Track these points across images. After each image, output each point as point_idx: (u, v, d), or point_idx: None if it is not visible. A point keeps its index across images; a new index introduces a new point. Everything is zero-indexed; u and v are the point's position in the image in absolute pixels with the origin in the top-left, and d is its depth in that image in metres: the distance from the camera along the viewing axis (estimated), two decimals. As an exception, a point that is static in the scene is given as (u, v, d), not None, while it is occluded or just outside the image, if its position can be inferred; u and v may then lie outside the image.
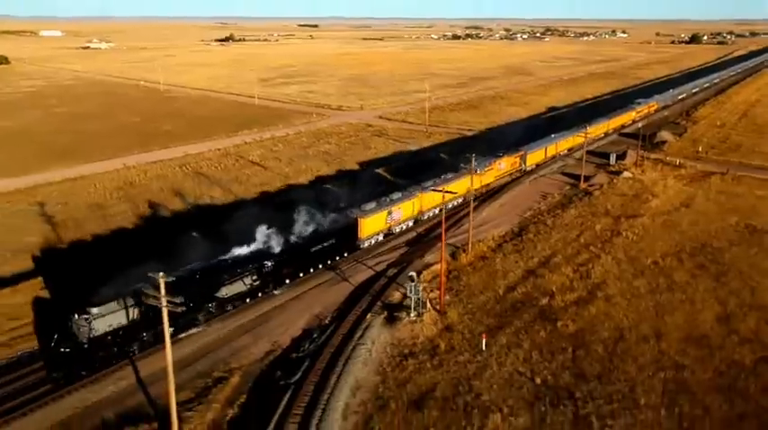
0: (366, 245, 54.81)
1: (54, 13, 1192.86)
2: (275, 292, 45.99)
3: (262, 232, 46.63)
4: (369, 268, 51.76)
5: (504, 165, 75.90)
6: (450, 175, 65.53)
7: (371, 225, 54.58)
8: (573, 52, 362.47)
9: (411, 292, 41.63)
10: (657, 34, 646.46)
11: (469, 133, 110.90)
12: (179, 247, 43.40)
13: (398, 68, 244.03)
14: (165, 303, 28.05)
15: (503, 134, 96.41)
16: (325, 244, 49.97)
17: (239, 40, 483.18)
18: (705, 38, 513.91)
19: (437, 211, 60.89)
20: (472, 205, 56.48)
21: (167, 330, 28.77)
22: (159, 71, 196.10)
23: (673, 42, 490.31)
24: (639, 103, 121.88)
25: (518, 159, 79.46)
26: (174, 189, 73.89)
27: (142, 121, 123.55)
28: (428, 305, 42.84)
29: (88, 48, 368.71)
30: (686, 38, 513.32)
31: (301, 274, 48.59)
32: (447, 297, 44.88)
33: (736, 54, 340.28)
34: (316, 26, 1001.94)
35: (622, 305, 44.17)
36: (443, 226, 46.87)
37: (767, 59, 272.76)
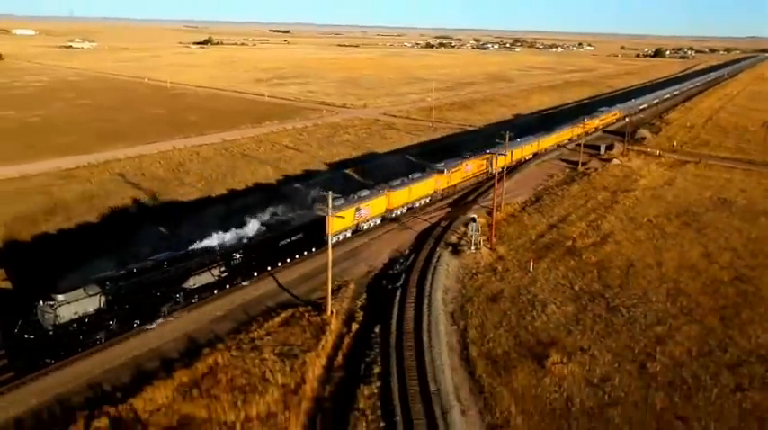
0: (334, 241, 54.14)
1: (12, 12, 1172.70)
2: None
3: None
4: (424, 221, 64.65)
5: (470, 167, 79.11)
6: (417, 175, 68.60)
7: (339, 221, 53.95)
8: (545, 62, 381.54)
9: (472, 230, 54.53)
10: (622, 48, 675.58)
11: (470, 128, 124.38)
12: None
13: (383, 73, 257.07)
14: (329, 213, 40.46)
15: (500, 129, 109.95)
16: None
17: (217, 43, 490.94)
18: (668, 52, 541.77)
19: (405, 210, 64.96)
20: (504, 172, 69.86)
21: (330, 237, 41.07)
22: (161, 70, 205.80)
23: (638, 56, 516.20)
24: (602, 111, 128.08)
25: (485, 162, 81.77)
26: (231, 166, 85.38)
27: (168, 113, 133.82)
28: (481, 243, 55.74)
29: (71, 47, 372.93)
30: (650, 52, 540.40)
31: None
32: (493, 239, 57.91)
33: (698, 68, 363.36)
34: (287, 32, 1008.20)
35: (629, 246, 57.79)
36: (496, 180, 60.00)
37: (725, 73, 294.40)
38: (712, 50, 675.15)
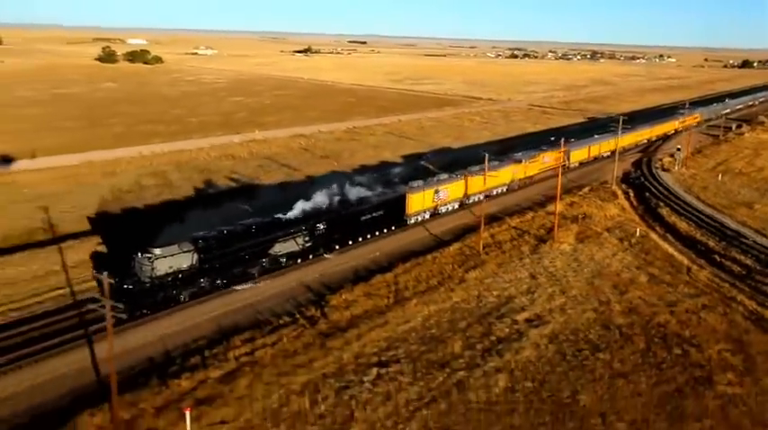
0: (413, 221, 58.58)
1: (99, 24, 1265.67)
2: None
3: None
4: (633, 155, 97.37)
5: (548, 159, 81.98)
6: (495, 163, 69.16)
7: (419, 202, 57.95)
8: (636, 71, 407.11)
9: (677, 156, 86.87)
10: (706, 59, 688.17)
11: (614, 114, 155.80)
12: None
13: (494, 77, 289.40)
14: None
15: (636, 115, 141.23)
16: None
17: (316, 51, 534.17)
18: (756, 63, 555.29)
19: (482, 197, 63.18)
20: (689, 123, 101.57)
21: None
22: (301, 71, 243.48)
23: (725, 66, 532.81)
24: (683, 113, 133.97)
25: (562, 155, 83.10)
26: (458, 129, 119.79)
27: (358, 101, 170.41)
28: (678, 166, 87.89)
29: (196, 54, 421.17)
30: (737, 63, 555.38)
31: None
32: (684, 168, 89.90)
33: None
34: (364, 42, 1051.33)
35: None
36: (682, 133, 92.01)
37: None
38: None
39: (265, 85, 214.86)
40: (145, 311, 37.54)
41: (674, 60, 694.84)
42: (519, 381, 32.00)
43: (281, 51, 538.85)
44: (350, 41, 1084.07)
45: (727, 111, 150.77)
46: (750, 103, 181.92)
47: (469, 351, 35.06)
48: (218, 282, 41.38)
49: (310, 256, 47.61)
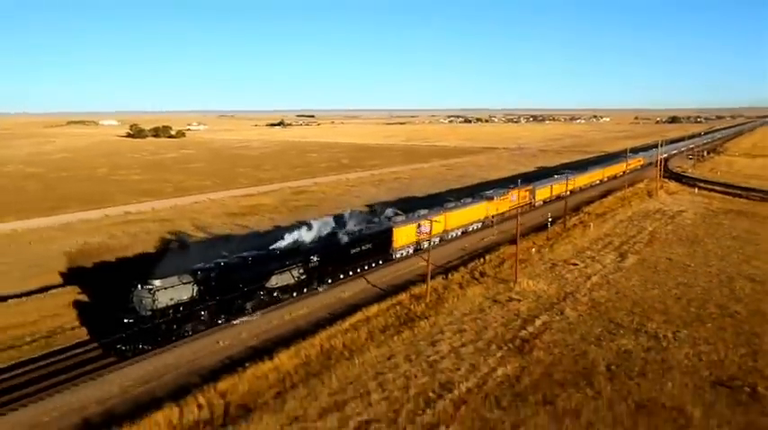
0: (398, 255, 59.58)
1: (64, 109, 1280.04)
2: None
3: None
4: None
5: (515, 197, 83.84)
6: (469, 200, 74.48)
7: (403, 236, 59.63)
8: (586, 129, 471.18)
9: (689, 163, 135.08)
10: (636, 118, 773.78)
11: (596, 154, 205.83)
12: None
13: (479, 136, 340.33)
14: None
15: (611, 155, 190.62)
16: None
17: (289, 124, 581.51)
18: (683, 119, 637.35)
19: (459, 233, 70.03)
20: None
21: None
22: (324, 136, 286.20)
23: (657, 122, 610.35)
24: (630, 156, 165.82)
25: (528, 193, 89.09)
26: (495, 164, 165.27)
27: (411, 152, 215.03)
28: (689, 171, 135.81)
29: (189, 130, 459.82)
30: (666, 119, 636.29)
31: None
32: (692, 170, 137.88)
33: (718, 126, 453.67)
34: (312, 116, 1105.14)
35: (743, 171, 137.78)
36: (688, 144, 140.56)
37: (747, 125, 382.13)
38: (719, 117, 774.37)
39: (286, 151, 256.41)
40: (146, 347, 37.23)
41: (608, 119, 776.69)
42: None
43: (256, 125, 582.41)
44: (298, 116, 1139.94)
45: (665, 156, 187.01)
46: (683, 148, 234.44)
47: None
48: (220, 316, 42.10)
49: (304, 290, 48.28)
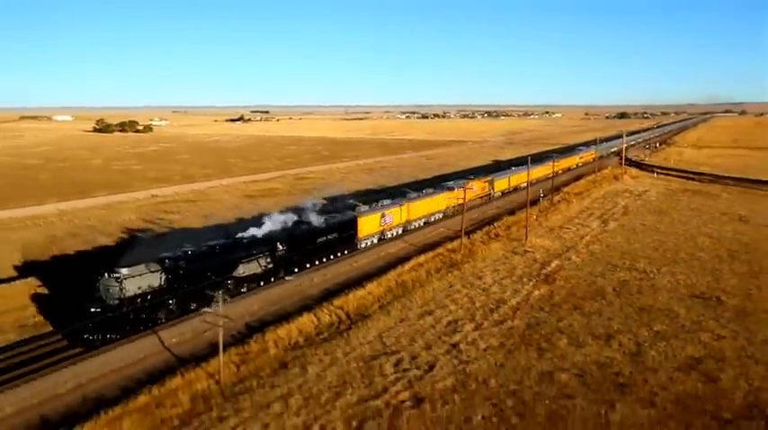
0: (363, 245, 60.28)
1: (15, 104, 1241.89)
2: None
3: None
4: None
5: (475, 188, 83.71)
6: (430, 190, 76.56)
7: (368, 226, 60.75)
8: (542, 125, 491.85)
9: (646, 153, 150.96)
10: (586, 114, 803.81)
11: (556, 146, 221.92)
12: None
13: (443, 130, 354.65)
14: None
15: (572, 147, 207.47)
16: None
17: (248, 119, 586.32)
18: (631, 116, 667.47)
19: (422, 223, 71.27)
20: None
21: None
22: (290, 131, 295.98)
23: (607, 118, 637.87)
24: (581, 150, 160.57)
25: (487, 184, 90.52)
26: (468, 155, 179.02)
27: (382, 145, 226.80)
28: (646, 158, 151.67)
29: (151, 125, 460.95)
30: (615, 115, 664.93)
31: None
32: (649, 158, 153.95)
33: (664, 122, 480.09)
34: (267, 112, 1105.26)
35: (688, 159, 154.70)
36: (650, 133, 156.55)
37: (690, 121, 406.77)
38: (664, 113, 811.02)
39: (261, 144, 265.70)
40: (114, 336, 36.84)
41: (560, 115, 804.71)
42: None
43: (216, 121, 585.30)
44: (252, 111, 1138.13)
45: (615, 149, 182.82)
46: (640, 140, 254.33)
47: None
48: (190, 304, 41.40)
49: (272, 279, 48.52)
